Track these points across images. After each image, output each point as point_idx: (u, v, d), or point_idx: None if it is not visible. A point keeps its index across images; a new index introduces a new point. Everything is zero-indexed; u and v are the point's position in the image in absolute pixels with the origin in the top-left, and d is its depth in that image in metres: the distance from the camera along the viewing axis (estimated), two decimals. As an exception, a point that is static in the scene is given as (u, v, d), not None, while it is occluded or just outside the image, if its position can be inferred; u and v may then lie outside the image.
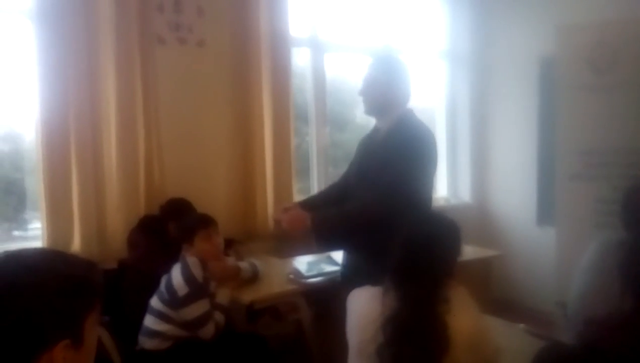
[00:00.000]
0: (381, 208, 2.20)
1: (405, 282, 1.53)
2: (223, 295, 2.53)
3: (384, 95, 2.40)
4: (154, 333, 2.41)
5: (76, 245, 2.98)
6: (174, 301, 2.36)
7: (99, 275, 1.00)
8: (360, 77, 2.49)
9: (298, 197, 3.71)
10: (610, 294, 1.26)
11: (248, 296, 2.60)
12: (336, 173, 3.66)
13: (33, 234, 3.15)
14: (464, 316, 1.50)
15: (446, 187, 4.97)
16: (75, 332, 0.91)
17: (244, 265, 2.74)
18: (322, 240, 2.38)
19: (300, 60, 4.08)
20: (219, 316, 2.44)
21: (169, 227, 2.86)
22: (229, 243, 2.92)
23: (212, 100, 3.48)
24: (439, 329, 1.45)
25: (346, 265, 2.57)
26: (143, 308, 2.48)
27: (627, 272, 1.21)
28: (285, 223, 2.37)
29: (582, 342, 1.19)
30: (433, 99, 4.98)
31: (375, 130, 2.52)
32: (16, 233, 3.23)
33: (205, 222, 2.52)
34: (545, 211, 4.28)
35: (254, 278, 2.76)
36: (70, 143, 2.94)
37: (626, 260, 1.23)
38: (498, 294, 4.03)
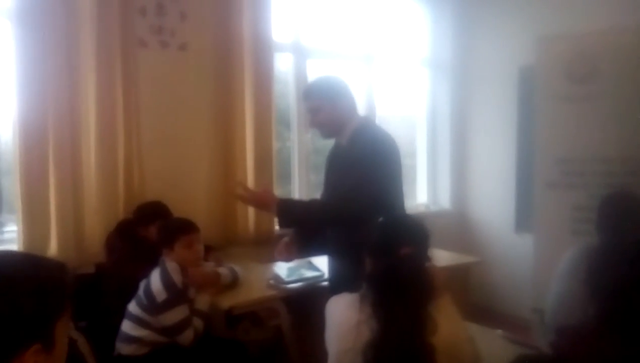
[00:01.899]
0: (345, 208, 2.26)
1: (383, 299, 1.50)
2: (202, 301, 2.51)
3: (333, 119, 2.43)
4: (131, 339, 2.38)
5: (53, 248, 2.93)
6: (153, 307, 2.34)
7: (69, 277, 0.98)
8: (305, 109, 2.53)
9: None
10: (582, 302, 1.27)
11: (227, 301, 2.58)
12: (317, 179, 3.67)
13: (8, 237, 3.09)
14: (443, 324, 1.49)
15: (426, 193, 5.01)
16: (46, 336, 0.90)
17: (223, 271, 2.72)
18: (285, 225, 2.51)
19: (282, 65, 4.09)
20: (198, 322, 2.42)
21: (142, 231, 2.84)
22: (207, 251, 2.90)
23: (194, 104, 3.46)
24: (426, 355, 1.43)
25: (331, 272, 2.58)
26: (121, 313, 2.45)
27: (596, 279, 1.22)
28: (251, 197, 2.48)
29: (556, 351, 1.19)
30: (414, 106, 5.02)
31: (337, 146, 2.56)
32: (-10, 236, 3.16)
33: (187, 228, 2.49)
34: (524, 218, 4.34)
35: (233, 283, 2.74)
36: (48, 145, 2.90)
37: (595, 267, 1.24)
38: (476, 300, 4.06)
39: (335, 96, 2.43)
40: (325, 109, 2.42)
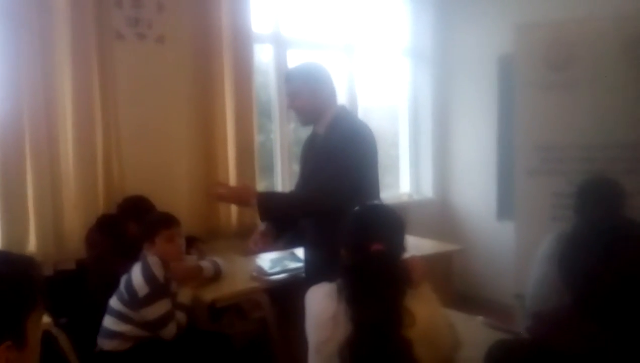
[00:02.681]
0: (324, 198, 2.27)
1: (356, 293, 1.49)
2: (185, 295, 2.50)
3: (312, 105, 2.43)
4: (113, 334, 2.37)
5: (32, 245, 2.90)
6: (134, 301, 2.32)
7: (38, 271, 0.97)
8: (285, 92, 2.52)
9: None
10: (559, 287, 1.28)
11: (210, 294, 2.58)
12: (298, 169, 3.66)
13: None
14: (421, 313, 1.48)
15: (409, 182, 5.03)
16: (17, 333, 0.88)
17: (205, 264, 2.71)
18: (265, 218, 2.49)
19: (263, 56, 4.06)
20: (180, 316, 2.42)
21: (127, 226, 2.81)
22: (191, 242, 2.88)
23: (173, 96, 3.43)
24: (403, 350, 1.42)
25: (307, 262, 2.59)
26: (102, 309, 2.43)
27: (569, 265, 1.22)
28: (230, 193, 2.49)
29: (532, 335, 1.21)
30: (396, 96, 5.03)
31: (314, 134, 2.55)
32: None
33: (168, 222, 2.48)
34: (505, 206, 4.38)
35: (216, 276, 2.73)
36: (24, 140, 2.85)
37: (569, 252, 1.24)
38: (459, 287, 4.10)
39: (315, 83, 2.42)
40: (304, 94, 2.41)
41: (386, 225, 1.59)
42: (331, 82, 2.49)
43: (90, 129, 3.04)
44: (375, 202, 1.81)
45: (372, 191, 2.37)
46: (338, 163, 2.26)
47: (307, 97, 2.41)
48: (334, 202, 2.18)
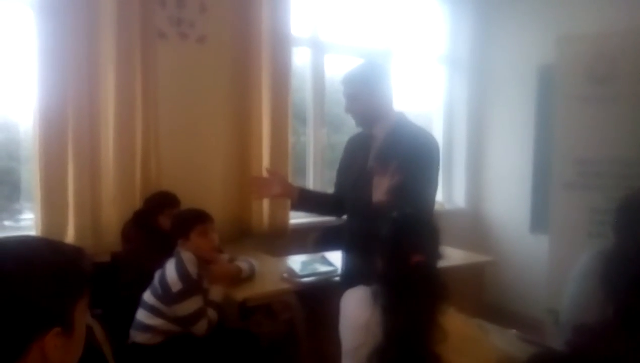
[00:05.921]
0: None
1: (390, 303, 1.49)
2: (216, 292, 2.53)
3: (371, 107, 2.28)
4: (146, 328, 2.41)
5: (70, 236, 2.97)
6: (167, 297, 2.35)
7: (87, 261, 0.99)
8: (342, 94, 2.36)
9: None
10: (600, 303, 1.26)
11: (241, 293, 2.59)
12: (331, 174, 3.66)
13: (25, 224, 3.12)
14: (453, 325, 1.46)
15: (441, 192, 4.97)
16: (66, 320, 0.91)
17: (243, 265, 2.72)
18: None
19: (300, 60, 4.08)
20: (211, 313, 2.44)
21: (158, 220, 2.86)
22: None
23: (211, 96, 3.48)
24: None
25: (345, 266, 2.55)
26: (136, 302, 2.47)
27: (613, 281, 1.21)
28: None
29: (573, 349, 1.19)
30: (430, 103, 5.00)
31: (370, 137, 2.38)
32: (7, 223, 3.20)
33: (202, 218, 2.51)
34: (539, 219, 4.31)
35: (250, 277, 2.75)
36: (67, 134, 2.93)
37: (612, 268, 1.23)
38: (490, 300, 4.05)
39: (376, 84, 2.29)
40: (364, 97, 2.27)
41: (426, 235, 1.57)
42: (390, 83, 2.36)
43: (130, 125, 3.10)
44: (412, 211, 1.76)
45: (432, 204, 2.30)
46: (422, 174, 2.16)
47: (366, 99, 2.27)
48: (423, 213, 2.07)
